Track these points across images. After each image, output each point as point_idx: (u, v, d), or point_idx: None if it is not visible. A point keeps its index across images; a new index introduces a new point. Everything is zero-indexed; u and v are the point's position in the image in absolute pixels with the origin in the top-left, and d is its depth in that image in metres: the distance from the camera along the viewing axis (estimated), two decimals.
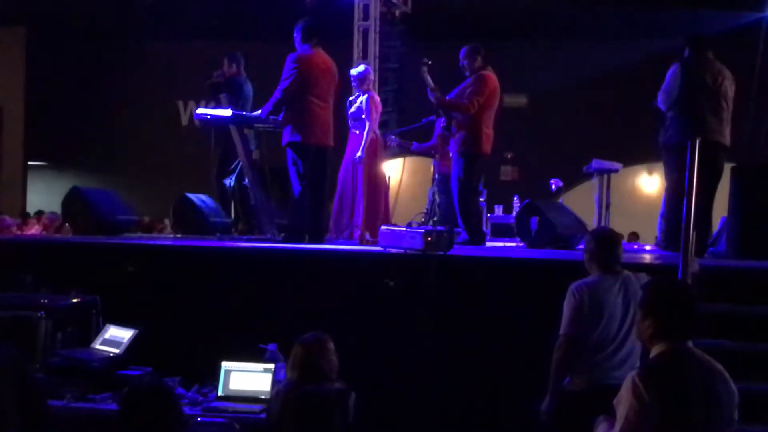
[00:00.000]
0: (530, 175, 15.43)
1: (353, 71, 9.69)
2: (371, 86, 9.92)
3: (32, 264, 7.63)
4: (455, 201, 9.07)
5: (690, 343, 3.81)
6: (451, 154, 9.28)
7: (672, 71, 8.16)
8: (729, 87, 8.16)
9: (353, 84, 9.59)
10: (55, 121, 18.46)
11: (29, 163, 19.41)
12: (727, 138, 8.12)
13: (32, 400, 4.29)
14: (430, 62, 9.16)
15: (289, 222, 8.87)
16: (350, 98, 9.68)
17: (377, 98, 9.90)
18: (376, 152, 9.63)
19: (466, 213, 9.01)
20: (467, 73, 9.01)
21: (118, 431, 4.02)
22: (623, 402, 3.67)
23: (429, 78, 9.06)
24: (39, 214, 15.27)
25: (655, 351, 3.78)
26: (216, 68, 10.59)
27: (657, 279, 4.61)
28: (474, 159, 8.97)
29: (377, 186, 9.66)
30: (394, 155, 12.37)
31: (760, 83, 13.72)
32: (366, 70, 9.86)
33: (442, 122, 10.02)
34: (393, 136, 10.99)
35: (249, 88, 10.45)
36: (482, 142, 8.94)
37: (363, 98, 9.48)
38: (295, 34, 8.67)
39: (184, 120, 19.29)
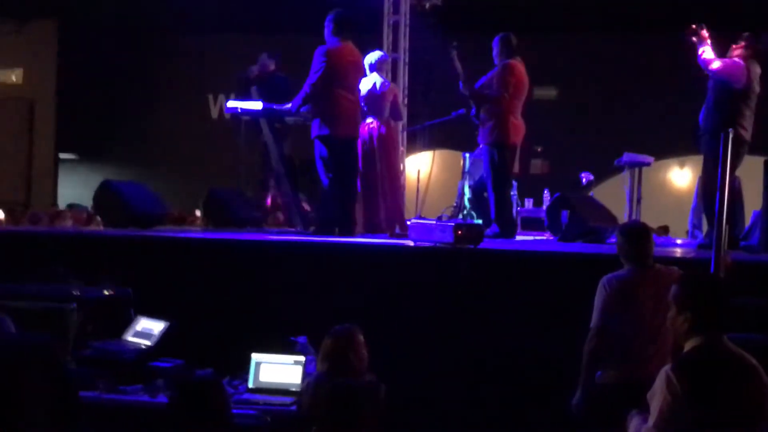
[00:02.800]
0: (561, 169, 15.33)
1: (371, 57, 9.31)
2: (387, 74, 9.90)
3: (64, 256, 7.68)
4: (489, 192, 9.04)
5: (724, 337, 3.79)
6: (480, 144, 9.24)
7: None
8: None
9: (372, 70, 9.27)
10: (86, 115, 18.55)
11: (60, 156, 19.54)
12: None
13: (66, 391, 4.32)
14: (457, 45, 9.11)
15: (318, 215, 8.88)
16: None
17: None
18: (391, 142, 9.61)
19: (499, 204, 8.96)
20: (496, 62, 9.00)
21: (168, 423, 4.05)
22: (657, 395, 3.65)
23: (458, 63, 9.01)
24: (70, 207, 15.37)
25: (689, 345, 3.76)
26: (251, 63, 10.58)
27: (691, 273, 4.57)
28: (503, 149, 8.93)
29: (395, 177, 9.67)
30: (424, 148, 12.36)
31: None
32: (385, 55, 9.76)
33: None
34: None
35: (286, 84, 10.39)
36: (510, 132, 8.89)
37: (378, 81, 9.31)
38: (325, 27, 8.67)
39: (214, 113, 19.34)
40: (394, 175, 9.70)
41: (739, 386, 3.65)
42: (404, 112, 11.53)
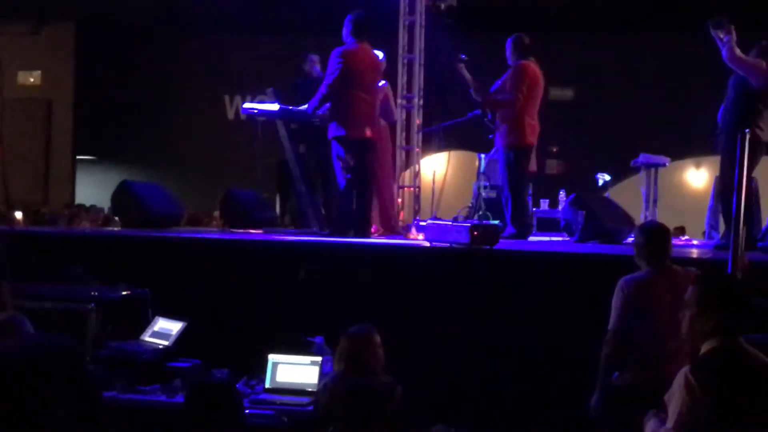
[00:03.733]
0: (576, 169, 15.33)
1: None
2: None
3: (83, 257, 7.72)
4: (505, 193, 9.05)
5: (741, 339, 3.78)
6: (497, 148, 9.26)
7: None
8: None
9: None
10: (104, 116, 18.66)
11: (78, 157, 19.64)
12: None
13: (87, 391, 4.35)
14: (465, 57, 9.15)
15: (334, 216, 8.90)
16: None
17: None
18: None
19: (517, 205, 8.97)
20: (510, 63, 9.02)
21: (181, 424, 4.09)
22: (675, 397, 3.65)
23: (467, 74, 9.06)
24: (88, 208, 15.44)
25: (706, 346, 3.75)
26: (267, 65, 10.59)
27: (710, 274, 4.56)
28: (521, 151, 8.94)
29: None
30: (439, 149, 12.36)
31: None
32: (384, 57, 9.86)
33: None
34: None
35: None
36: (527, 133, 8.91)
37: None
38: (344, 28, 8.68)
39: (230, 114, 19.42)
40: (387, 174, 9.83)
41: (758, 388, 3.64)
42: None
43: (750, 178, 7.29)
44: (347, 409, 4.34)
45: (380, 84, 9.41)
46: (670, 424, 3.67)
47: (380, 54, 9.35)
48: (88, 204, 16.68)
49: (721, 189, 8.17)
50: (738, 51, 7.80)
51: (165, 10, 17.15)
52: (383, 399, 4.76)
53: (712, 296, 3.81)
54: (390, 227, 9.51)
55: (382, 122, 9.62)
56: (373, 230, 9.10)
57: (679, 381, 3.65)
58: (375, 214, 9.32)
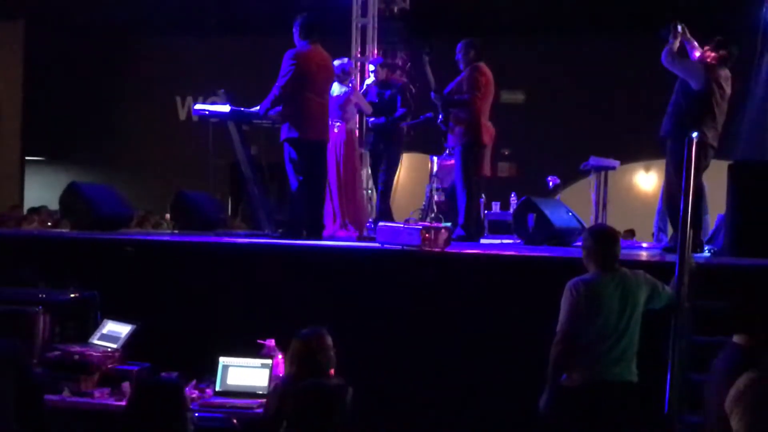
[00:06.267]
0: (527, 172, 15.42)
1: (336, 62, 9.49)
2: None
3: (31, 259, 7.63)
4: (458, 194, 9.09)
5: None
6: (449, 150, 9.32)
7: None
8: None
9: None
10: (53, 117, 18.44)
11: (27, 158, 19.39)
12: None
13: (31, 395, 4.31)
14: (430, 51, 9.21)
15: (286, 218, 8.88)
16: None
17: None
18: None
19: (469, 207, 9.01)
20: (461, 66, 9.08)
21: (124, 425, 4.05)
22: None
23: (430, 71, 9.12)
24: (35, 210, 15.24)
25: None
26: (217, 66, 10.57)
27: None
28: (475, 151, 9.00)
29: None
30: None
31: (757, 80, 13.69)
32: (347, 63, 9.94)
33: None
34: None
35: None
36: (482, 133, 8.99)
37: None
38: (293, 30, 8.68)
39: (182, 115, 19.28)
40: (357, 177, 9.95)
41: None
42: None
43: (698, 181, 7.38)
44: (298, 411, 4.33)
45: (350, 90, 9.64)
46: None
47: (345, 60, 9.54)
48: (37, 205, 16.47)
49: (667, 193, 8.24)
50: (675, 53, 7.86)
51: (116, 11, 17.00)
52: (333, 400, 4.76)
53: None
54: (362, 228, 9.55)
55: (348, 125, 9.67)
56: (346, 232, 9.14)
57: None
58: (351, 216, 9.45)
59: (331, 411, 4.31)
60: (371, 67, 10.80)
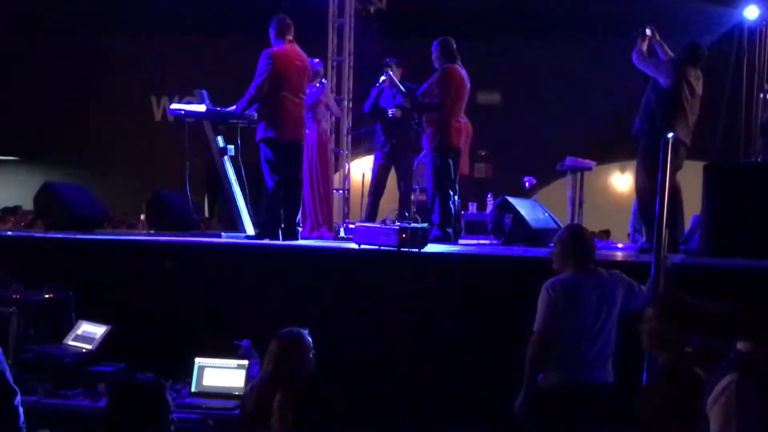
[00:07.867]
0: (504, 173, 15.44)
1: None
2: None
3: (4, 259, 7.57)
4: (431, 196, 9.10)
5: None
6: (425, 151, 9.33)
7: None
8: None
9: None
10: (27, 116, 18.32)
11: (1, 157, 19.27)
12: None
13: (4, 397, 4.28)
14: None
15: (262, 218, 8.86)
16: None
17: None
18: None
19: (444, 208, 9.02)
20: (435, 66, 9.11)
21: (104, 427, 4.01)
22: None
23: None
24: (10, 210, 15.13)
25: None
26: (193, 65, 10.53)
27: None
28: (446, 153, 9.03)
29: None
30: (369, 151, 12.38)
31: (733, 84, 13.79)
32: (317, 64, 9.94)
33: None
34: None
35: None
36: (452, 135, 9.02)
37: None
38: (270, 30, 8.67)
39: (158, 115, 19.19)
40: (329, 178, 10.12)
41: None
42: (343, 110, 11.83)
43: (673, 181, 7.42)
44: (276, 411, 4.31)
45: (321, 90, 9.65)
46: None
47: (316, 60, 9.54)
48: (12, 206, 16.35)
49: (639, 192, 8.29)
50: (644, 52, 7.98)
51: (91, 9, 16.92)
52: (311, 400, 4.75)
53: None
54: (333, 230, 9.62)
55: (320, 126, 9.71)
56: (318, 234, 9.16)
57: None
58: (324, 217, 9.53)
59: (307, 412, 4.29)
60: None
